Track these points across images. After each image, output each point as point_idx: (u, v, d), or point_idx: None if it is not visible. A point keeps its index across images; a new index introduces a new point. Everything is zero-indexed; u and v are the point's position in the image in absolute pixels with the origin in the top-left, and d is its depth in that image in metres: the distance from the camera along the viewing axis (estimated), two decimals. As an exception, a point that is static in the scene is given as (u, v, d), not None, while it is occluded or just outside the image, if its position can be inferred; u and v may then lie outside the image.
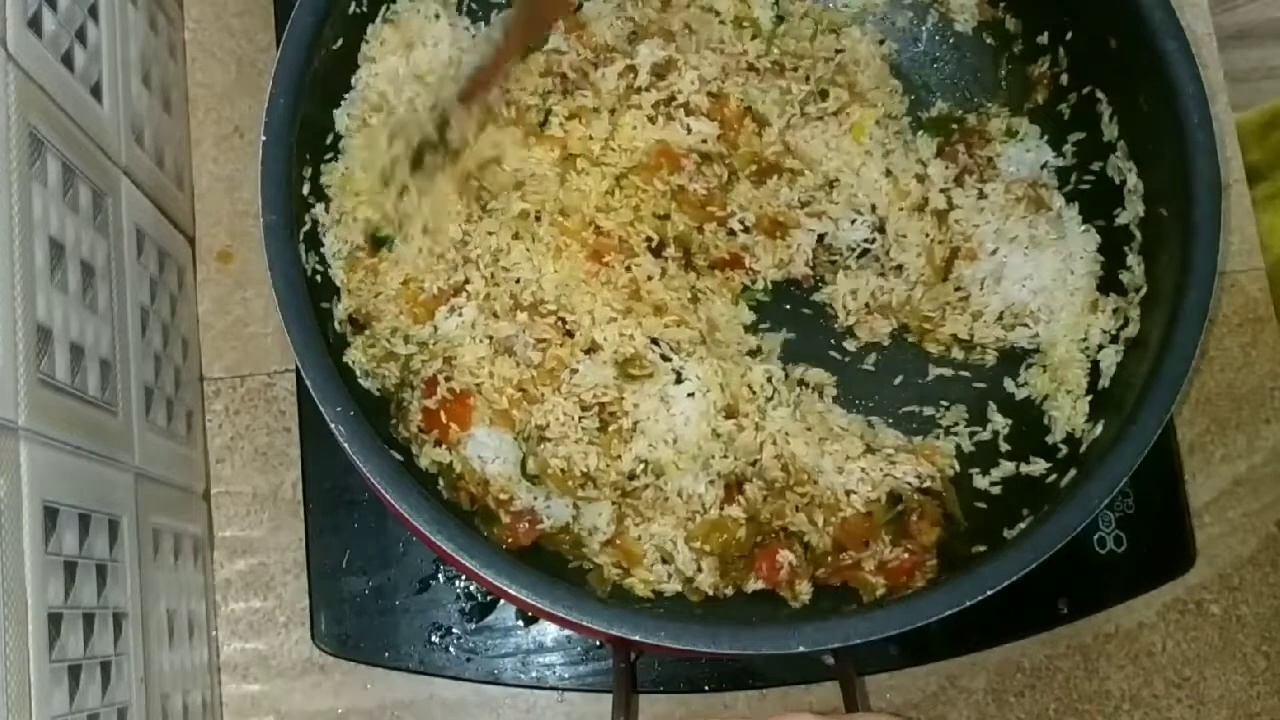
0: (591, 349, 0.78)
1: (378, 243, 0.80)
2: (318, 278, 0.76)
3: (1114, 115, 0.81)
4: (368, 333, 0.78)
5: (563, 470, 0.76)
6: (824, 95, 0.85)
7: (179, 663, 0.77)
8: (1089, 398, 0.79)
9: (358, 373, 0.76)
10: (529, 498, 0.76)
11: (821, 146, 0.84)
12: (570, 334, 0.78)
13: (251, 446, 0.88)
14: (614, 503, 0.77)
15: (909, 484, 0.78)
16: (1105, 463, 0.69)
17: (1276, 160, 0.96)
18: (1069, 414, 0.79)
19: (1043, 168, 0.85)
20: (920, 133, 0.87)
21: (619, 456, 0.77)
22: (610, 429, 0.77)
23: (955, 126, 0.87)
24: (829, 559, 0.77)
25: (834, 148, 0.84)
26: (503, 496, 0.76)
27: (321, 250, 0.78)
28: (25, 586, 0.56)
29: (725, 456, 0.78)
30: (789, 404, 0.80)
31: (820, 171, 0.84)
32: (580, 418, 0.77)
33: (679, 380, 0.78)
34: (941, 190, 0.84)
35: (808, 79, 0.85)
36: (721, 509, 0.76)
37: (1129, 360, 0.77)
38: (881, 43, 0.89)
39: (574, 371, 0.77)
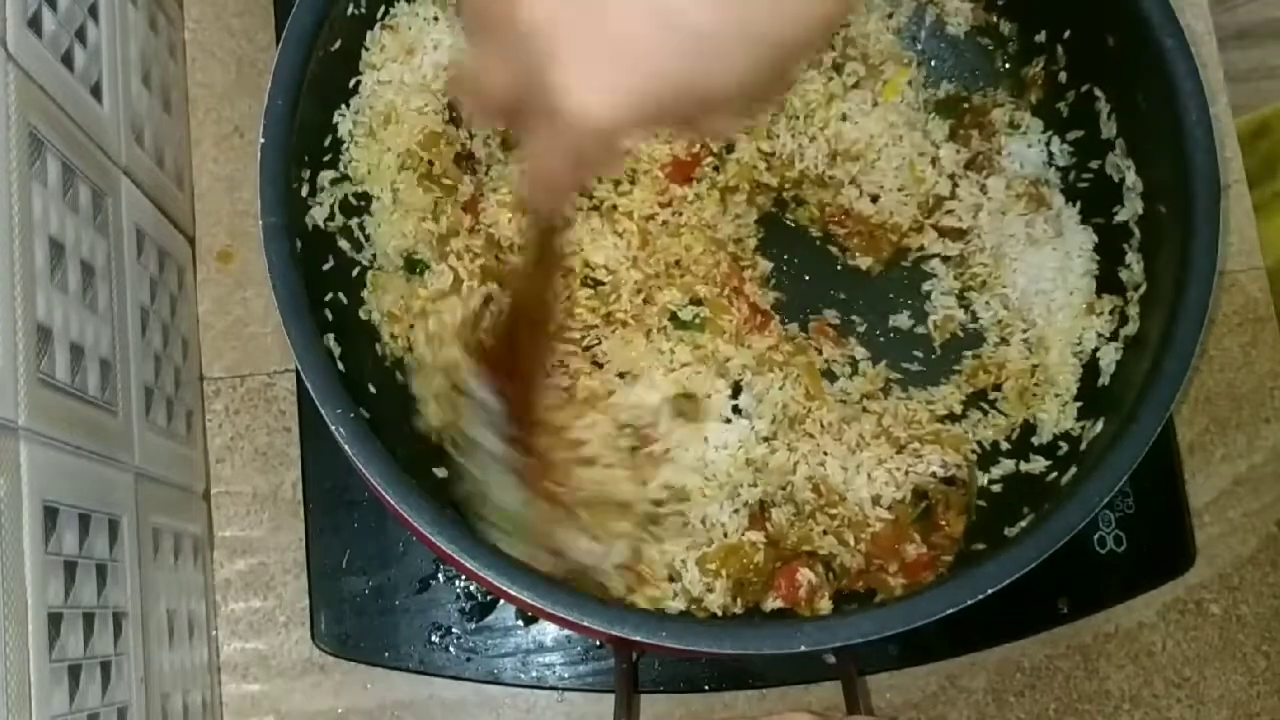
0: (625, 374, 0.77)
1: (412, 265, 0.80)
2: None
3: (1112, 113, 0.81)
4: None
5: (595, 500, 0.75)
6: (839, 69, 0.84)
7: (179, 662, 0.77)
8: (1078, 403, 0.79)
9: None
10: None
11: (850, 127, 0.83)
12: (599, 365, 0.77)
13: (251, 446, 0.88)
14: (637, 538, 0.76)
15: (933, 475, 0.77)
16: (1105, 461, 0.69)
17: (1265, 168, 0.96)
18: (1056, 417, 0.79)
19: (1048, 164, 0.85)
20: (933, 115, 0.86)
21: (645, 483, 0.76)
22: (642, 452, 0.76)
23: (965, 107, 0.86)
24: (859, 575, 0.76)
25: (859, 126, 0.83)
26: None
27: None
28: (25, 586, 0.56)
29: (754, 485, 0.77)
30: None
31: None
32: (617, 436, 0.76)
33: (729, 417, 0.78)
34: (949, 176, 0.84)
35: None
36: (742, 535, 0.76)
37: (1128, 358, 0.77)
38: (890, 16, 0.87)
39: (611, 392, 0.77)
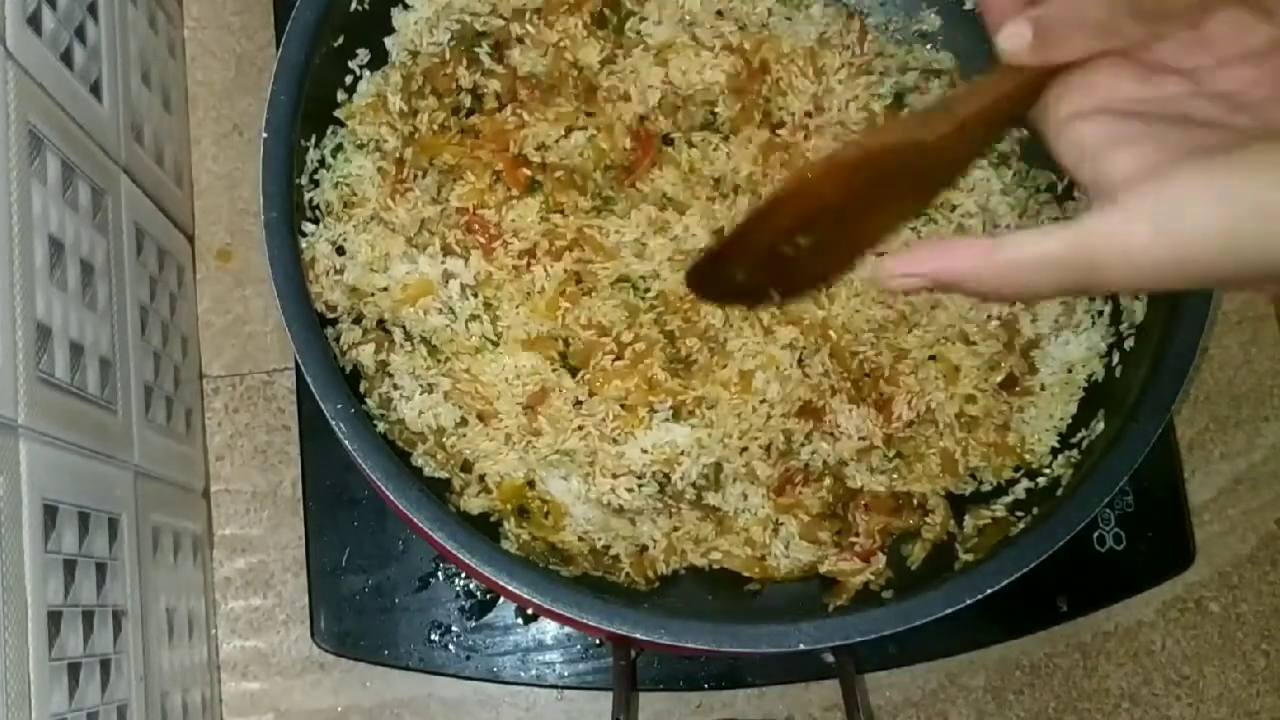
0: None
1: None
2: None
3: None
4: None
5: None
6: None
7: (178, 661, 0.77)
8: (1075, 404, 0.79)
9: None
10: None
11: None
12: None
13: (251, 444, 0.88)
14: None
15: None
16: (1105, 462, 0.69)
17: None
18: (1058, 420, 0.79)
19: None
20: None
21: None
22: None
23: None
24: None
25: None
26: None
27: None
28: (25, 585, 0.56)
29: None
30: None
31: None
32: None
33: None
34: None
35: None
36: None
37: (1129, 358, 0.77)
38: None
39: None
